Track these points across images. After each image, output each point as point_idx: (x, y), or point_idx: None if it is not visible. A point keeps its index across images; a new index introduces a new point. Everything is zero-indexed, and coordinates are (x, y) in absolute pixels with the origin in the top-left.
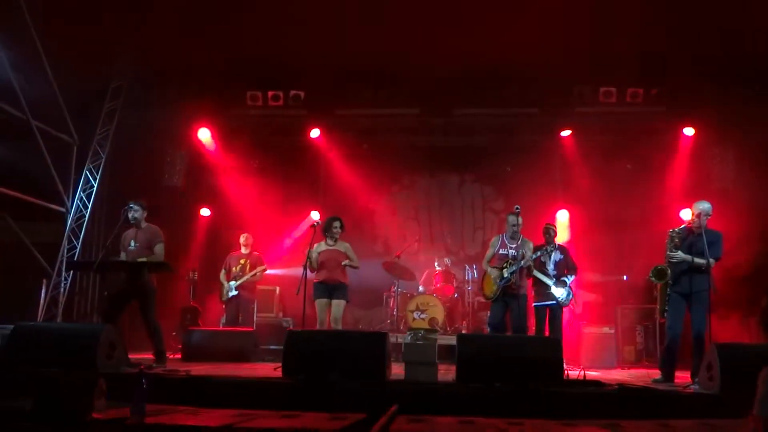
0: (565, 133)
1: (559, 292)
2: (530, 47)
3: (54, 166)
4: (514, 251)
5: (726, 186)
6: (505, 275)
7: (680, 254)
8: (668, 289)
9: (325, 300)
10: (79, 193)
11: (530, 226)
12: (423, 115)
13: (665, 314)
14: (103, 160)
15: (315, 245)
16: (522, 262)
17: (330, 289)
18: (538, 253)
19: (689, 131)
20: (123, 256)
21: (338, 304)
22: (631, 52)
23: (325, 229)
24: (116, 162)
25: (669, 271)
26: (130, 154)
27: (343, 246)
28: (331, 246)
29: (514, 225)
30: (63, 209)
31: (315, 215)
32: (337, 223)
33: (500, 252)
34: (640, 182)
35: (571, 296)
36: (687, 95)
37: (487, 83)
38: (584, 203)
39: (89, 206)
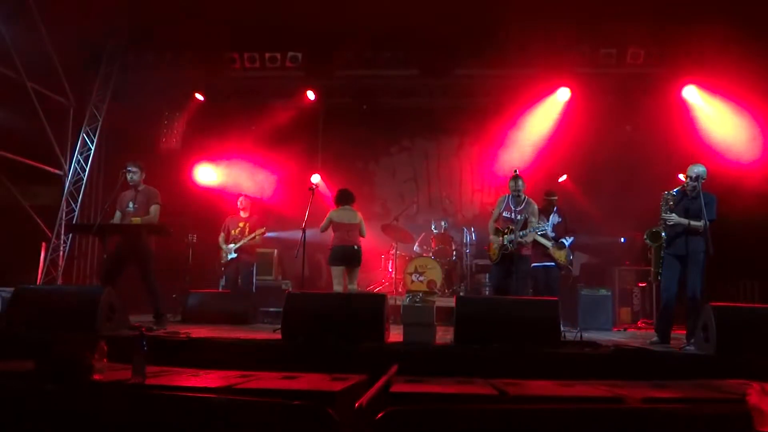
0: (565, 94)
1: (557, 254)
2: (530, 7)
3: (50, 128)
4: (518, 215)
5: (726, 146)
6: (505, 242)
7: (675, 216)
8: (662, 252)
9: None
10: (77, 156)
11: (530, 189)
12: (422, 76)
13: (659, 277)
14: (100, 123)
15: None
16: (522, 234)
17: None
18: (539, 230)
19: (690, 91)
20: (118, 216)
21: None
22: (632, 13)
23: (348, 200)
24: (113, 124)
25: (663, 234)
26: (127, 116)
27: None
28: None
29: (514, 190)
30: (61, 172)
31: (315, 178)
32: None
33: (504, 215)
34: (640, 143)
35: (570, 258)
36: (688, 56)
37: (487, 44)
38: (583, 165)
39: (87, 169)
